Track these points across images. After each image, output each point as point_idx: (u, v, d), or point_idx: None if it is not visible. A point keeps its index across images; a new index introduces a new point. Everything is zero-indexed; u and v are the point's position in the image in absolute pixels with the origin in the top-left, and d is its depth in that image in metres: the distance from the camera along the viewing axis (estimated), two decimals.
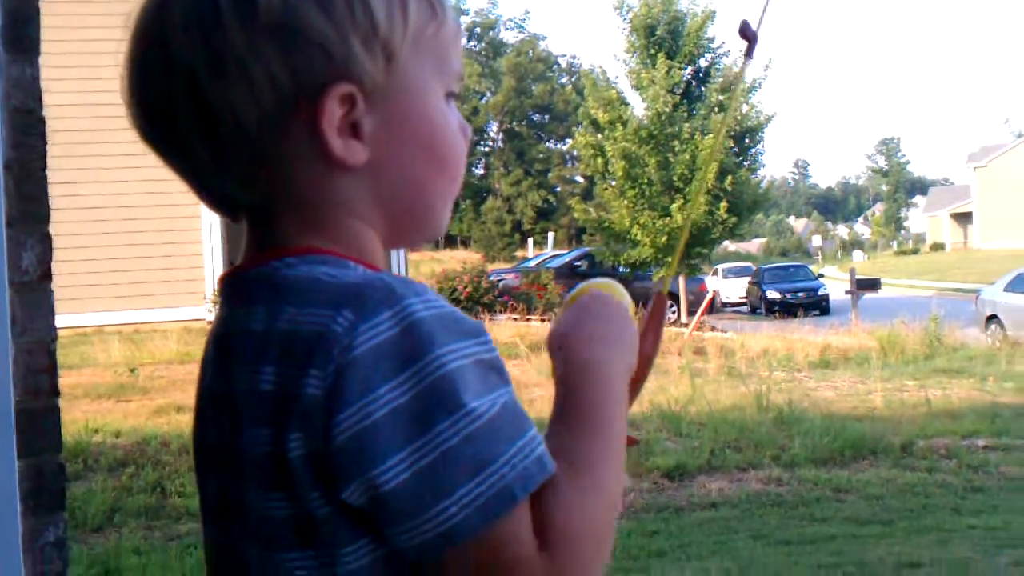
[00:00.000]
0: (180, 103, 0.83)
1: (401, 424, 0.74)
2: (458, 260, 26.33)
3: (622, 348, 0.93)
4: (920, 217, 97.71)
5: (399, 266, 19.59)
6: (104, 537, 5.72)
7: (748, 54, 1.07)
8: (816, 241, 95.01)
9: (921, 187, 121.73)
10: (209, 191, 0.90)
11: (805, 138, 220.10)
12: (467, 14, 79.12)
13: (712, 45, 23.93)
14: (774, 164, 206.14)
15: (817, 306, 30.47)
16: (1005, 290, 20.11)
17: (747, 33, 1.06)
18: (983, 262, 47.22)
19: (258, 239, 0.89)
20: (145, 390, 10.19)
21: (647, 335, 1.02)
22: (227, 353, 0.87)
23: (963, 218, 79.81)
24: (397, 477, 0.74)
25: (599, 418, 0.86)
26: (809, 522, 6.10)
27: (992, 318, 19.84)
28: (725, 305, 35.33)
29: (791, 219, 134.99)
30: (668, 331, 18.78)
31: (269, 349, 0.80)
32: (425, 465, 0.74)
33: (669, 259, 22.61)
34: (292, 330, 0.79)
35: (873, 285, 23.48)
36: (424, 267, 29.13)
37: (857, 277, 22.33)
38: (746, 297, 34.68)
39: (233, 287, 0.89)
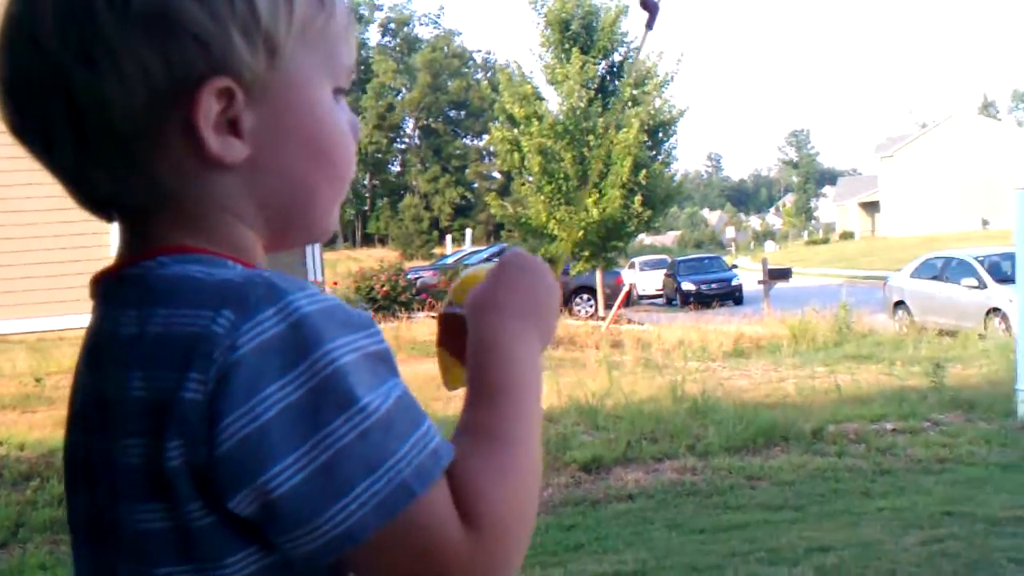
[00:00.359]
0: (49, 96, 0.79)
1: (292, 425, 0.71)
2: (375, 258, 26.13)
3: (537, 319, 0.91)
4: (830, 207, 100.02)
5: (314, 266, 19.41)
6: (8, 553, 5.55)
7: (649, 25, 1.06)
8: (730, 232, 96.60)
9: (831, 178, 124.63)
10: (80, 188, 0.85)
11: (718, 132, 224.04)
12: (381, 10, 78.73)
13: (626, 39, 24.14)
14: (688, 158, 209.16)
15: (731, 296, 31.01)
16: (911, 276, 20.70)
17: (647, 4, 1.05)
18: (890, 250, 48.58)
19: (131, 239, 0.85)
20: (51, 400, 9.92)
21: None
22: (98, 359, 0.83)
23: (871, 207, 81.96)
24: (289, 481, 0.71)
25: (514, 393, 0.84)
26: (723, 510, 6.19)
27: (899, 304, 20.40)
28: (642, 298, 35.69)
29: (705, 211, 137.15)
30: (586, 325, 19.03)
31: (141, 354, 0.76)
32: (319, 466, 0.71)
33: (586, 253, 22.81)
34: (166, 333, 0.76)
35: (785, 275, 23.98)
36: (341, 266, 28.87)
37: (769, 267, 22.81)
38: (662, 289, 35.10)
39: (104, 290, 0.86)
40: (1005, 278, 16.18)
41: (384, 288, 18.08)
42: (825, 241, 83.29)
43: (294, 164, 0.85)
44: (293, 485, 0.71)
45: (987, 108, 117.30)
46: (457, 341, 0.98)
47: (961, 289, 18.51)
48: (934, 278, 19.85)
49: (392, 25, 78.48)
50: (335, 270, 27.10)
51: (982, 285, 18.08)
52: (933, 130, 78.52)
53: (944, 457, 7.65)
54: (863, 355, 14.53)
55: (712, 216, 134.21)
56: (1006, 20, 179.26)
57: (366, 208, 73.29)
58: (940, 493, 6.50)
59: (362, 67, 75.78)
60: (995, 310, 17.13)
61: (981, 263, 18.64)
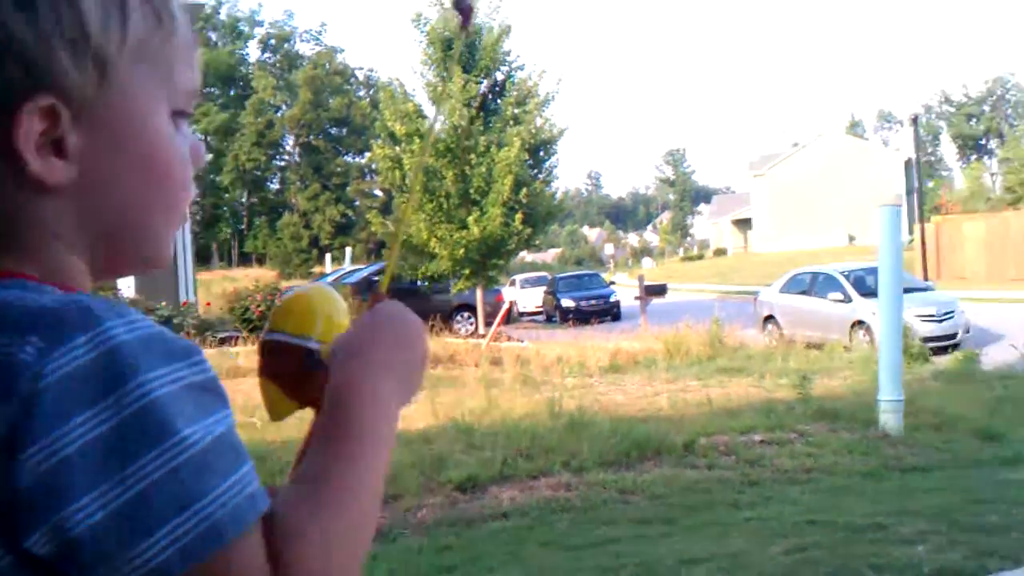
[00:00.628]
0: None
1: (96, 459, 0.67)
2: (252, 278, 25.60)
3: (404, 373, 0.89)
4: (705, 224, 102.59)
5: (187, 286, 18.92)
6: None
7: (464, 26, 1.05)
8: (608, 249, 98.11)
9: (706, 195, 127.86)
10: None
11: (597, 150, 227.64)
12: (261, 25, 77.55)
13: (508, 59, 24.30)
14: (568, 176, 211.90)
15: (609, 312, 31.46)
16: (780, 291, 21.36)
17: (461, 6, 1.04)
18: (762, 265, 49.99)
19: None
20: None
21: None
22: None
23: (744, 224, 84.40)
24: (89, 518, 0.67)
25: (361, 446, 0.81)
26: (597, 525, 6.24)
27: (769, 318, 21.02)
28: (522, 315, 35.92)
29: (585, 228, 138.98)
30: (466, 343, 19.01)
31: None
32: (122, 503, 0.67)
33: (466, 271, 22.83)
34: None
35: (660, 290, 24.47)
36: (216, 286, 28.24)
37: (645, 283, 23.23)
38: (542, 306, 35.40)
39: None
40: (869, 292, 16.81)
41: (259, 308, 17.69)
42: (700, 257, 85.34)
43: (125, 188, 0.81)
44: (93, 523, 0.67)
45: (854, 127, 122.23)
46: (281, 369, 0.95)
47: (827, 303, 19.18)
48: (802, 292, 20.52)
49: (272, 41, 77.30)
50: (209, 290, 26.50)
51: (847, 299, 18.78)
52: (803, 149, 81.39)
53: (809, 467, 7.89)
54: (734, 368, 14.90)
55: (592, 233, 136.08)
56: (872, 41, 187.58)
57: (243, 227, 71.90)
58: (805, 502, 6.69)
59: (241, 83, 74.49)
60: (860, 323, 17.81)
61: (846, 278, 19.37)
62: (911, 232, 43.08)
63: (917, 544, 5.28)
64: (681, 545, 5.62)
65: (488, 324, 21.88)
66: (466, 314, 25.37)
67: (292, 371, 0.94)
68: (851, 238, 65.87)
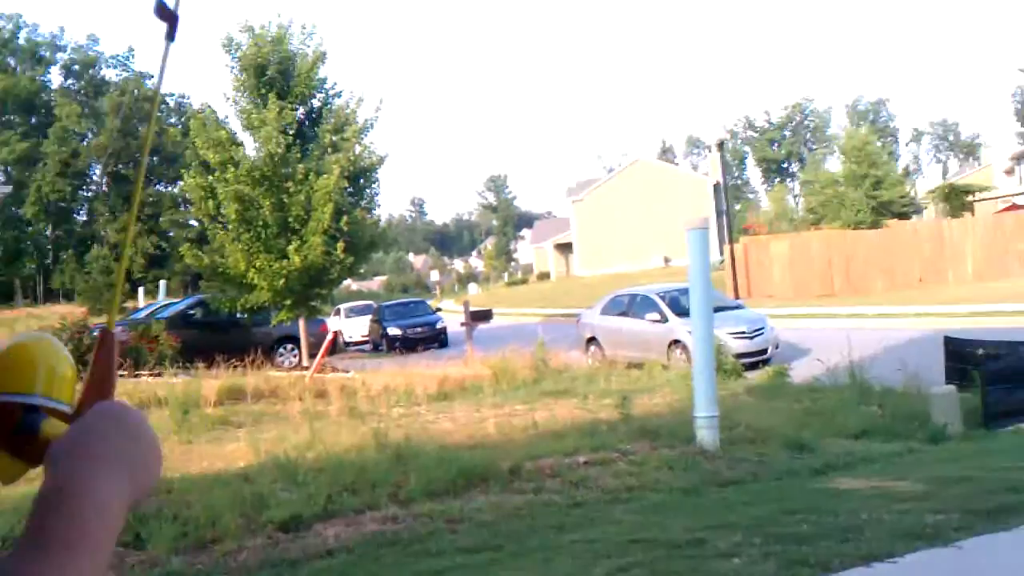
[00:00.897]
0: None
1: None
2: (59, 315, 24.26)
3: (129, 470, 0.84)
4: (528, 249, 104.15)
5: None
6: None
7: (169, 36, 0.98)
8: (435, 276, 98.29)
9: (528, 220, 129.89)
10: None
11: (420, 177, 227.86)
12: (64, 51, 74.10)
13: (325, 86, 23.98)
14: (392, 203, 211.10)
15: (436, 339, 31.48)
16: (601, 313, 21.84)
17: (165, 13, 0.97)
18: (584, 288, 51.10)
19: None
20: None
21: (94, 374, 0.90)
22: None
23: (565, 248, 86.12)
24: None
25: (66, 555, 0.76)
26: (423, 556, 6.16)
27: (592, 340, 21.46)
28: (348, 344, 35.48)
29: (411, 255, 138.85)
30: (289, 376, 18.57)
31: None
32: None
33: (288, 301, 22.34)
34: None
35: (486, 316, 24.57)
36: (20, 324, 26.67)
37: (471, 309, 23.30)
38: (369, 335, 35.06)
39: None
40: (684, 312, 17.36)
41: (67, 347, 16.78)
42: (524, 282, 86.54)
43: None
44: None
45: (666, 153, 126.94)
46: (2, 429, 0.86)
47: (646, 323, 19.74)
48: (621, 314, 21.06)
49: (76, 67, 73.99)
50: (13, 329, 24.97)
51: (664, 319, 19.37)
52: (618, 174, 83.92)
53: (632, 485, 8.05)
54: (560, 391, 15.11)
55: (417, 260, 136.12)
56: (679, 69, 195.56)
57: (48, 261, 68.26)
58: (628, 521, 6.81)
59: (43, 111, 70.88)
60: (676, 342, 18.39)
61: (663, 298, 19.98)
62: (721, 253, 44.98)
63: (733, 557, 5.45)
64: (506, 572, 5.60)
65: (312, 355, 21.46)
66: (289, 346, 24.81)
67: (11, 430, 0.86)
68: (667, 260, 68.21)
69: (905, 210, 53.82)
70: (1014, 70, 36.69)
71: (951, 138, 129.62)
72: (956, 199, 51.86)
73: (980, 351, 12.03)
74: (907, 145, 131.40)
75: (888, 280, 34.91)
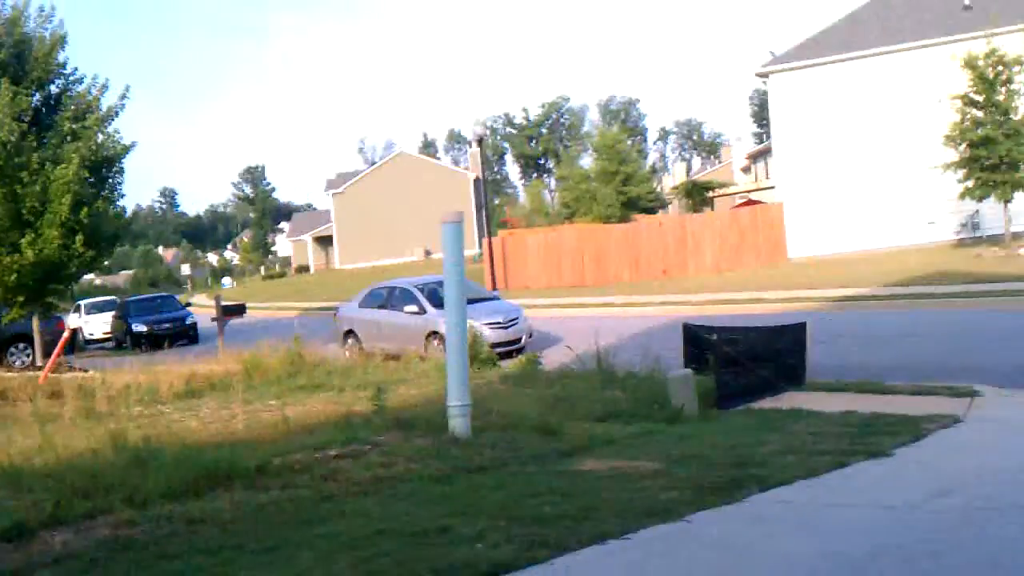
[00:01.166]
0: None
1: None
2: None
3: None
4: (286, 242, 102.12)
5: None
6: None
7: None
8: (186, 270, 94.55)
9: (286, 213, 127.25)
10: None
11: (171, 167, 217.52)
12: None
13: (64, 71, 22.43)
14: (139, 194, 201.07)
15: (185, 335, 30.39)
16: (360, 306, 21.70)
17: None
18: (344, 281, 50.64)
19: None
20: None
21: None
22: None
23: (325, 241, 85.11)
24: None
25: None
26: (159, 560, 5.86)
27: (349, 333, 21.28)
28: (89, 342, 33.64)
29: (160, 249, 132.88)
30: (21, 376, 17.33)
31: None
32: None
33: (20, 298, 20.82)
34: None
35: (239, 310, 23.85)
36: None
37: (223, 303, 22.51)
38: (112, 332, 33.33)
39: None
40: (442, 304, 17.47)
41: None
42: (282, 275, 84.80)
43: None
44: None
45: (428, 147, 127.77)
46: None
47: (404, 316, 19.78)
48: (380, 306, 21.00)
49: None
50: None
51: (423, 311, 19.48)
52: (379, 168, 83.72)
53: (383, 476, 7.99)
54: (315, 385, 14.88)
55: (168, 253, 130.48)
56: (442, 64, 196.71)
57: None
58: (377, 513, 6.75)
59: None
60: (434, 333, 18.52)
61: (421, 290, 20.09)
62: (480, 246, 45.64)
63: (477, 543, 5.50)
64: (247, 571, 5.42)
65: (47, 354, 20.10)
66: (22, 345, 23.17)
67: None
68: (427, 253, 68.76)
69: (652, 205, 56.60)
70: (752, 74, 39.25)
71: (695, 137, 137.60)
72: (698, 195, 55.09)
73: (714, 336, 12.75)
74: (655, 143, 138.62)
75: (635, 271, 36.63)
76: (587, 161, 62.38)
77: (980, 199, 31.14)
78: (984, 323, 18.04)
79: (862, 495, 6.84)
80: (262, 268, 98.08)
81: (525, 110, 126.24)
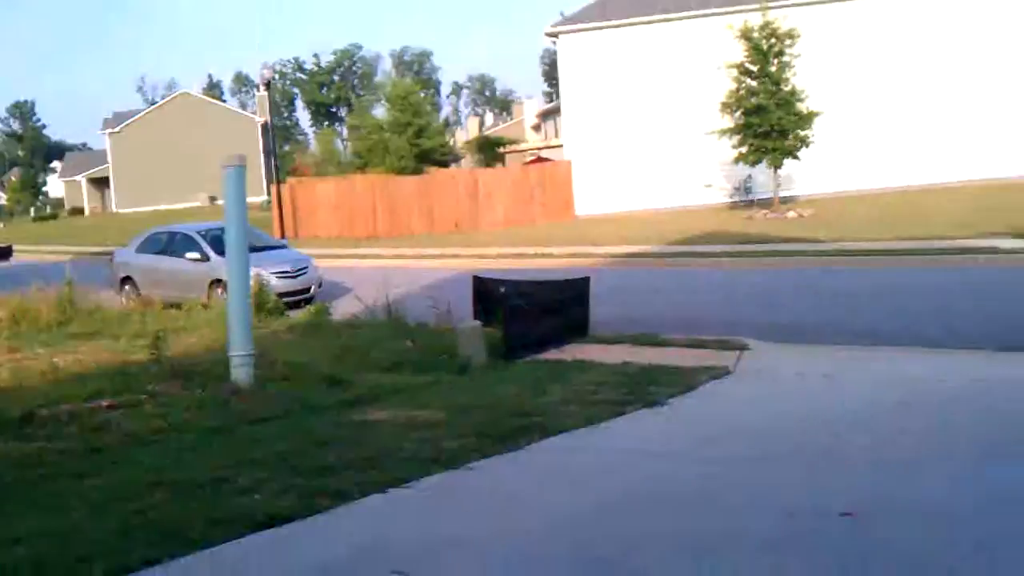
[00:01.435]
0: None
1: None
2: None
3: None
4: (58, 183, 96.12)
5: None
6: None
7: None
8: None
9: (59, 152, 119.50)
10: None
11: None
12: None
13: None
14: None
15: None
16: (137, 251, 20.76)
17: None
18: (123, 225, 48.20)
19: None
20: None
21: None
22: None
23: (101, 183, 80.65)
24: None
25: None
26: None
27: (127, 279, 20.33)
28: None
29: None
30: None
31: None
32: None
33: None
34: None
35: (5, 253, 22.38)
36: None
37: None
38: None
39: None
40: (225, 251, 16.97)
41: None
42: (54, 217, 79.83)
43: None
44: None
45: (213, 88, 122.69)
46: None
47: (186, 262, 19.06)
48: (160, 252, 20.15)
49: None
50: None
51: (205, 258, 18.83)
52: (161, 108, 79.91)
53: (159, 427, 7.73)
54: (89, 333, 14.17)
55: None
56: (228, 2, 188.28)
57: None
58: (152, 464, 6.52)
59: None
60: (218, 281, 17.93)
61: (204, 237, 19.37)
62: (268, 194, 44.36)
63: (255, 493, 5.41)
64: (11, 526, 5.12)
65: None
66: None
67: None
68: (212, 199, 66.33)
69: (445, 159, 56.61)
70: (543, 34, 39.77)
71: (488, 93, 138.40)
72: (490, 150, 55.54)
73: (503, 289, 12.95)
74: (448, 97, 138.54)
75: (428, 223, 36.66)
76: (380, 112, 61.59)
77: (753, 164, 32.85)
78: (755, 281, 19.16)
79: (638, 442, 7.15)
80: (32, 209, 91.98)
81: (316, 56, 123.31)
